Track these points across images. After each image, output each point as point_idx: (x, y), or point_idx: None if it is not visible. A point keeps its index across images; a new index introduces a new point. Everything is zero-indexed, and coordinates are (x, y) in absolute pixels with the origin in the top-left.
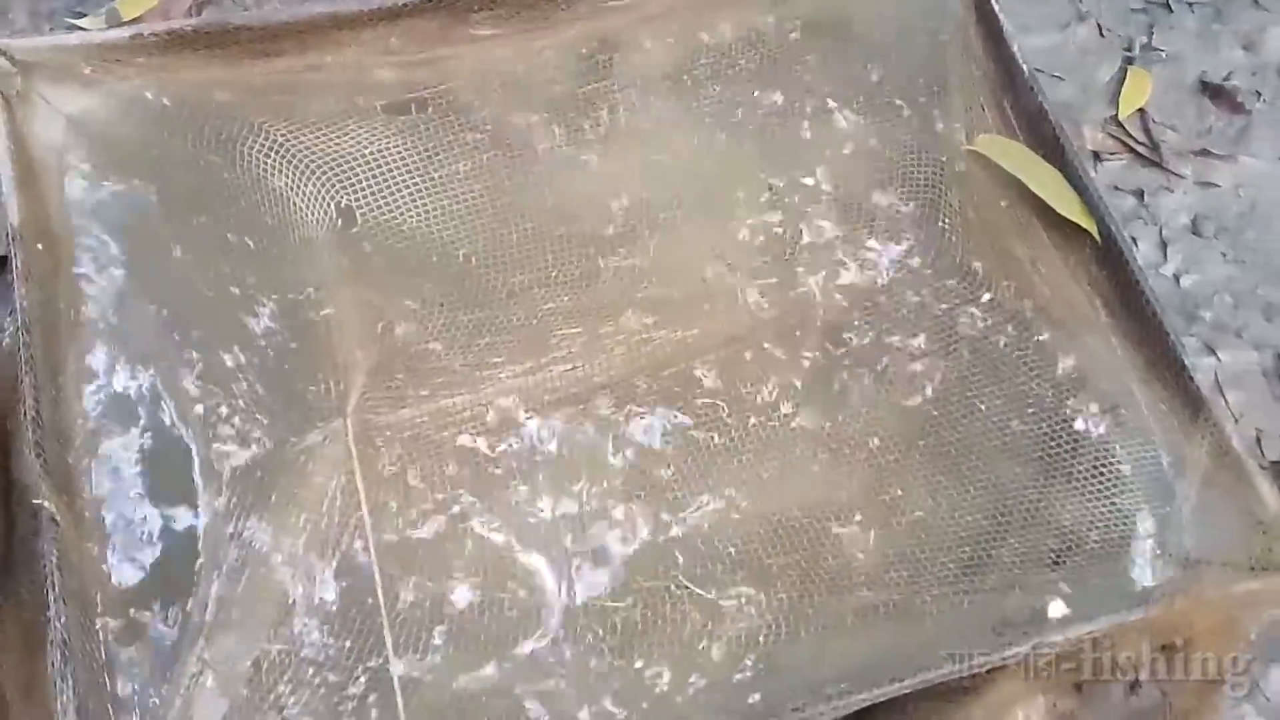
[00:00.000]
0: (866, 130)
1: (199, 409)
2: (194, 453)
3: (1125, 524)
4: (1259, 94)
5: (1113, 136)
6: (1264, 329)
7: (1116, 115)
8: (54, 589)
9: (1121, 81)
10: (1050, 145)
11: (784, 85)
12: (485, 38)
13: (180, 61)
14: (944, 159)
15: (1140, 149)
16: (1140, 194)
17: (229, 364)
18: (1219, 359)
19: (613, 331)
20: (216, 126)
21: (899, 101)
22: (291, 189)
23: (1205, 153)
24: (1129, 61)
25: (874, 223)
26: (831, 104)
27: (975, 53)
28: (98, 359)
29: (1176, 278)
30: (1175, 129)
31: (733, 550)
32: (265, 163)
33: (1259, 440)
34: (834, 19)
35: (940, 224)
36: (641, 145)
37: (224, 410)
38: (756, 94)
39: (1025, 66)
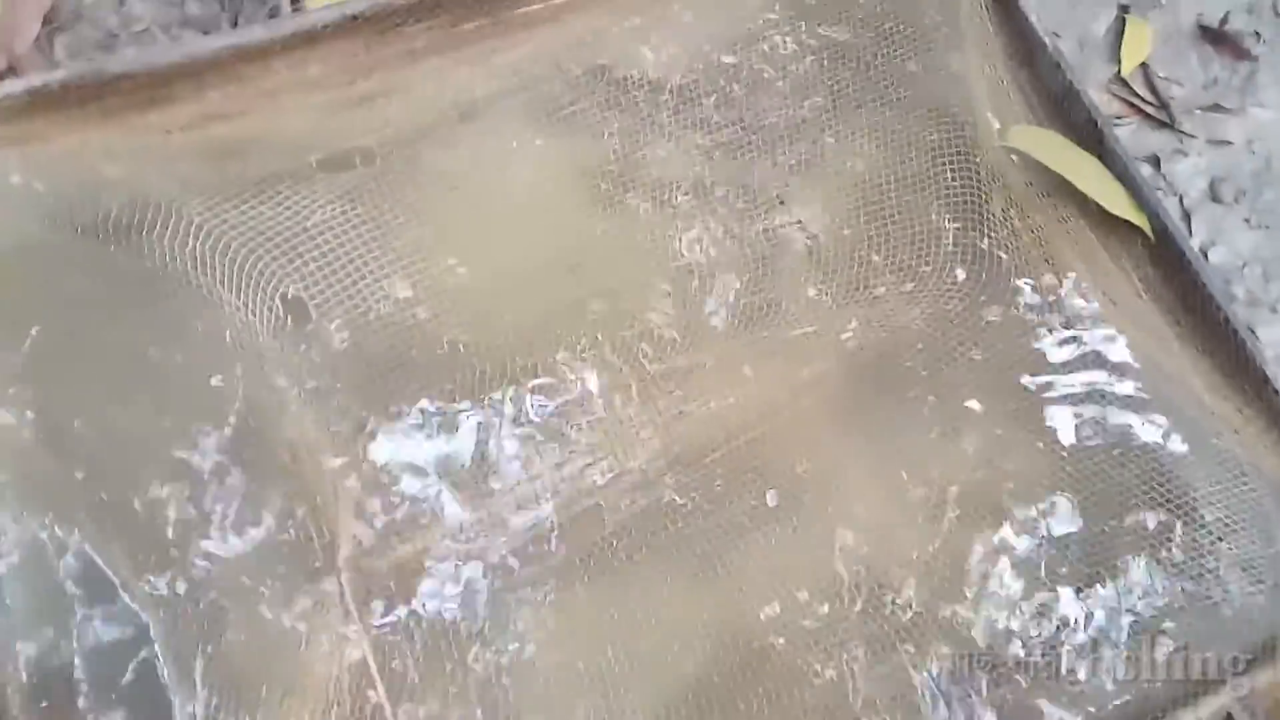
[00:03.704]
0: (889, 136)
1: (148, 584)
2: (154, 644)
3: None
4: (1259, 35)
5: (1119, 98)
6: None
7: (1119, 72)
8: None
9: (1119, 33)
10: (1085, 131)
11: (787, 94)
12: (430, 60)
13: (49, 128)
14: (979, 161)
15: (1149, 109)
16: (1156, 161)
17: (174, 518)
18: (1259, 339)
19: (638, 415)
20: (112, 211)
21: (921, 95)
22: (220, 282)
23: (1215, 107)
24: (1125, 10)
25: (914, 249)
26: (848, 112)
27: (988, 29)
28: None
29: (1204, 252)
30: (1180, 83)
31: None
32: (181, 252)
33: None
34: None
35: (986, 239)
36: (650, 172)
37: (181, 583)
38: (758, 107)
39: (1048, 41)
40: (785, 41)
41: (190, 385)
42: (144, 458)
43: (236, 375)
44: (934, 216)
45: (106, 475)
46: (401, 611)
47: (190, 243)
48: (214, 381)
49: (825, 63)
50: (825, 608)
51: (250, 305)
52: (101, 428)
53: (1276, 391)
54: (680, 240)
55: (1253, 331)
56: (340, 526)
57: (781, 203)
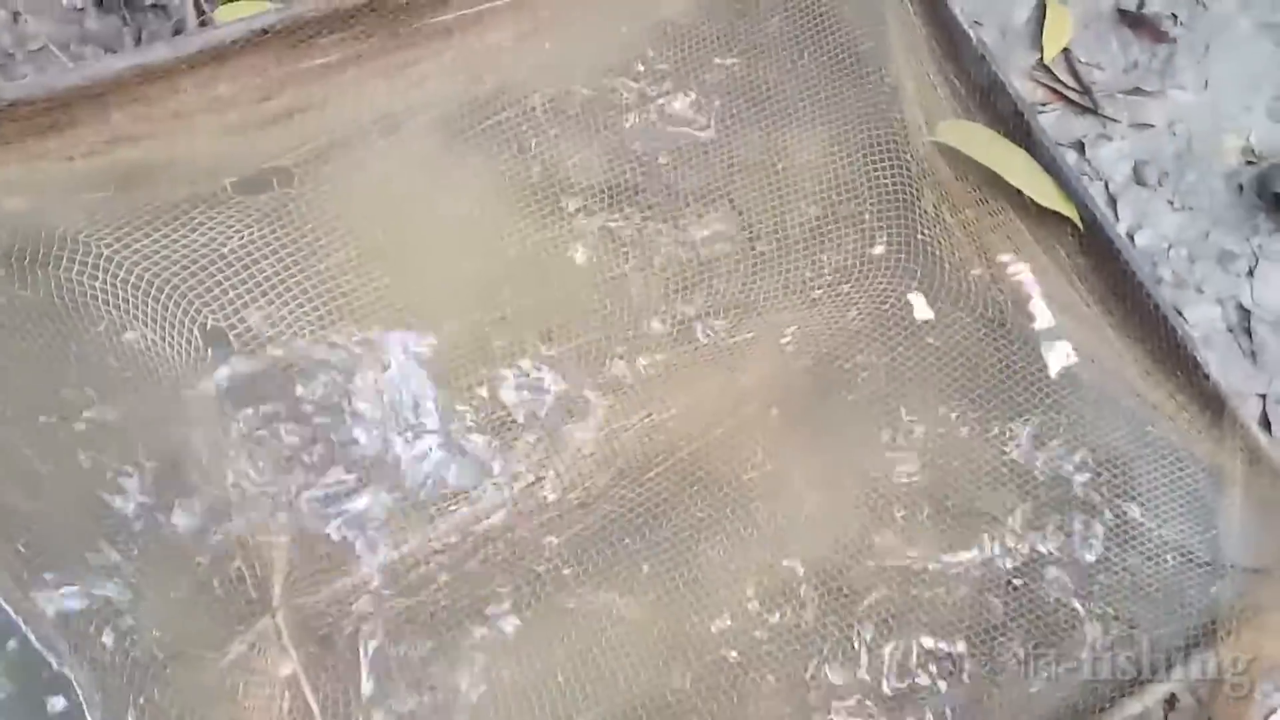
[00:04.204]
0: (818, 136)
1: (72, 637)
2: (80, 700)
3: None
4: (1176, 17)
5: (1043, 85)
6: (1221, 280)
7: (1042, 59)
8: None
9: (1040, 20)
10: (1012, 122)
11: (712, 97)
12: (345, 74)
13: None
14: (909, 157)
15: (1072, 95)
16: (1081, 146)
17: (97, 564)
18: (1187, 320)
19: (578, 430)
20: (14, 246)
21: (849, 93)
22: (134, 316)
23: (1136, 90)
24: None
25: (849, 249)
26: (775, 114)
27: (913, 22)
28: None
29: (1131, 236)
30: (1102, 67)
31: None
32: (91, 286)
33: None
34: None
35: (919, 237)
36: (577, 182)
37: (107, 636)
38: (683, 110)
39: (972, 34)
40: (709, 43)
41: (108, 425)
42: (62, 503)
43: (157, 412)
44: (867, 216)
45: (21, 523)
46: (342, 648)
47: (100, 276)
48: (133, 419)
49: (750, 62)
50: (776, 617)
51: (167, 339)
52: (15, 473)
53: (1207, 377)
54: (611, 251)
55: (1180, 313)
56: (274, 563)
57: (712, 209)
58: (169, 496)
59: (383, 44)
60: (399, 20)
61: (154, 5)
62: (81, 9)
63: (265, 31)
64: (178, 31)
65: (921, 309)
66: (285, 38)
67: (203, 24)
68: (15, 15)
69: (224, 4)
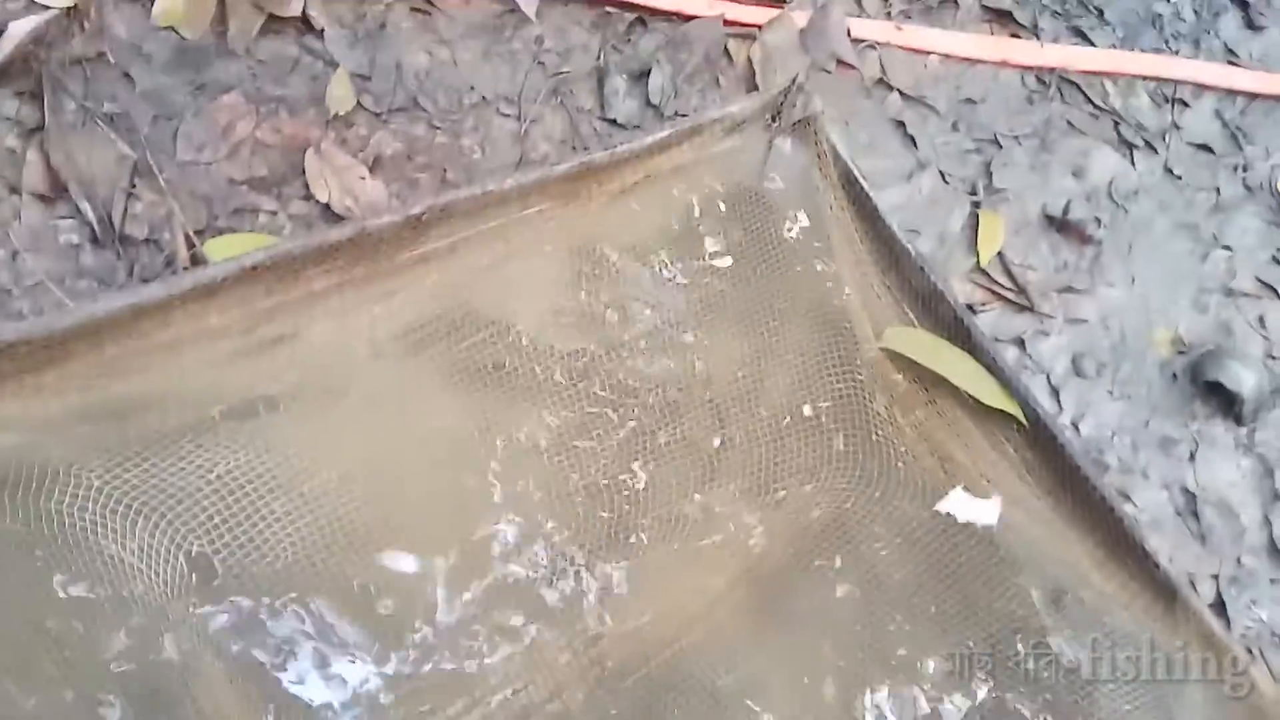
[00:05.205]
0: (776, 347)
1: None
2: None
3: None
4: (1099, 220)
5: (981, 286)
6: (1165, 465)
7: (979, 263)
8: None
9: (974, 227)
10: (954, 327)
11: (674, 314)
12: (330, 301)
13: None
14: (860, 363)
15: (1009, 294)
16: (1021, 342)
17: None
18: (1135, 505)
19: (554, 640)
20: (7, 480)
21: (802, 306)
22: (122, 545)
23: (1069, 289)
24: (976, 205)
25: (809, 451)
26: (735, 328)
27: (855, 238)
28: None
29: (1075, 425)
30: (1034, 268)
31: None
32: (81, 517)
33: (1192, 584)
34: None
35: (874, 438)
36: (554, 394)
37: None
38: (648, 327)
39: (911, 249)
40: (668, 265)
41: (93, 655)
42: None
43: (141, 641)
44: (824, 419)
45: None
46: None
47: (90, 506)
48: (117, 649)
49: (709, 282)
50: None
51: (154, 567)
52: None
53: (1157, 565)
54: (586, 461)
55: (1129, 498)
56: None
57: (680, 415)
58: None
59: (365, 273)
60: (380, 251)
61: (146, 240)
62: (77, 245)
63: (255, 268)
64: (169, 263)
65: (883, 506)
66: (274, 271)
67: (193, 258)
68: (14, 254)
69: (213, 238)
